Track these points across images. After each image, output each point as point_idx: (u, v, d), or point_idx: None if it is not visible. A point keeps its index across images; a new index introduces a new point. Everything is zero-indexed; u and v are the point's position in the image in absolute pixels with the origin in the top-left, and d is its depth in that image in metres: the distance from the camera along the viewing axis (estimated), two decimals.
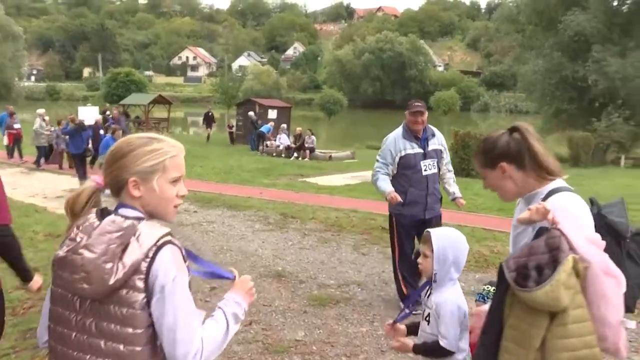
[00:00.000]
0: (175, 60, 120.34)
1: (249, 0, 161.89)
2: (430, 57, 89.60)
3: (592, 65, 25.74)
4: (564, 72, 26.97)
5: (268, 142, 23.04)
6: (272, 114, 26.08)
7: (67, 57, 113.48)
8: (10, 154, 18.35)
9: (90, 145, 15.13)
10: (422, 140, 5.61)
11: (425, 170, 5.53)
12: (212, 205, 11.42)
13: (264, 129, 23.57)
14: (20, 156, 18.23)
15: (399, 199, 5.35)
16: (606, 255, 1.88)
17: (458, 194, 5.85)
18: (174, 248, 1.65)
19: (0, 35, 43.57)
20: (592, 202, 2.26)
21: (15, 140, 18.25)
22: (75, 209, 1.76)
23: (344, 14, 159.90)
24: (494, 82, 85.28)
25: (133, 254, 1.59)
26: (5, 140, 18.47)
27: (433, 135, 5.72)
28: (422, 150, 5.57)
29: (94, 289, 1.59)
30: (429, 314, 2.66)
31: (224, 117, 48.03)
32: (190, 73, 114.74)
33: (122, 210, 1.71)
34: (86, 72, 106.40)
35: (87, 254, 1.60)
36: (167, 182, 1.74)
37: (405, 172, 5.53)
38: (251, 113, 25.09)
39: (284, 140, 22.53)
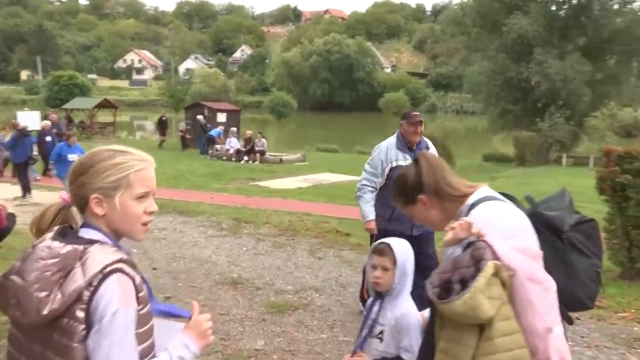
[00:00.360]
0: (120, 63, 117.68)
1: (195, 2, 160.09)
2: (378, 59, 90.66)
3: (535, 67, 26.52)
4: (509, 74, 27.69)
5: (218, 146, 22.74)
6: (222, 117, 25.76)
7: (2, 59, 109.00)
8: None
9: (35, 152, 14.38)
10: (415, 151, 5.13)
11: None
12: (163, 211, 11.12)
13: (213, 132, 23.25)
14: None
15: (375, 231, 5.02)
16: (533, 262, 1.80)
17: None
18: (123, 277, 1.48)
19: None
20: (528, 201, 2.21)
21: None
22: (41, 228, 1.62)
23: (291, 16, 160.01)
24: (440, 83, 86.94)
25: (75, 282, 1.44)
26: None
27: (427, 147, 5.30)
28: None
29: (29, 318, 1.46)
30: (381, 331, 2.56)
31: (172, 121, 47.29)
32: (135, 76, 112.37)
33: (82, 231, 1.59)
34: (24, 74, 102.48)
35: (17, 280, 1.48)
36: (132, 199, 1.59)
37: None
38: (200, 117, 24.74)
39: (234, 143, 22.27)
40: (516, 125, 28.84)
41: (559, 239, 2.05)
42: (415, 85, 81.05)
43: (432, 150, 5.31)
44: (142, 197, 1.61)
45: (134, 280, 1.51)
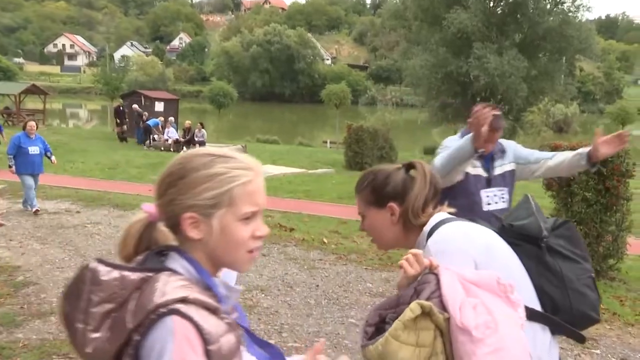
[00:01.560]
0: (50, 48, 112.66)
1: None
2: (319, 50, 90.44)
3: (474, 61, 26.86)
4: (449, 68, 27.94)
5: (155, 136, 21.97)
6: (159, 106, 24.91)
7: None
8: None
9: None
10: (486, 159, 3.67)
11: (488, 203, 3.62)
12: (97, 204, 10.58)
13: (151, 122, 22.43)
14: None
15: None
16: (482, 299, 1.44)
17: (584, 150, 3.35)
18: (183, 324, 1.10)
19: None
20: (496, 219, 1.97)
21: None
22: (126, 252, 1.27)
23: (230, 5, 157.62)
24: (380, 76, 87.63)
25: (123, 319, 1.12)
26: None
27: (502, 151, 3.71)
28: (485, 174, 3.66)
29: (79, 354, 1.15)
30: None
31: (107, 109, 45.67)
32: (67, 62, 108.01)
33: (171, 257, 1.23)
34: None
35: (66, 307, 1.15)
36: (236, 219, 1.22)
37: (456, 203, 2.99)
38: (135, 106, 23.82)
39: (172, 134, 21.57)
40: (456, 119, 29.20)
41: (538, 247, 1.81)
42: (355, 77, 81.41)
43: (511, 151, 3.73)
44: (248, 217, 1.24)
45: (200, 329, 1.11)
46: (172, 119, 22.66)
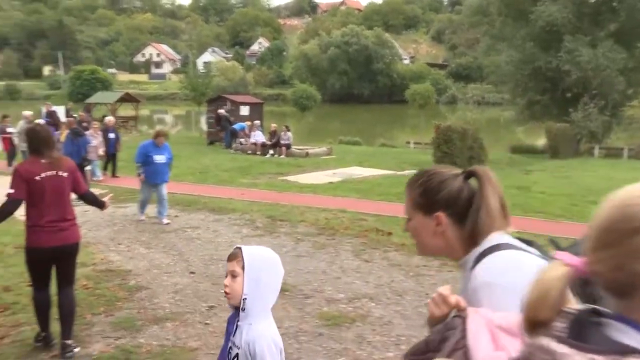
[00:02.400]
0: (139, 58, 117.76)
1: None
2: (396, 50, 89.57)
3: (565, 55, 25.65)
4: (537, 63, 26.83)
5: (242, 140, 22.30)
6: (244, 110, 25.29)
7: (25, 55, 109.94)
8: (10, 160, 16.01)
9: (102, 152, 14.25)
10: None
11: None
12: (193, 208, 10.77)
13: (237, 126, 22.80)
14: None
15: None
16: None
17: None
18: None
19: None
20: (554, 245, 1.60)
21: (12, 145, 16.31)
22: (544, 315, 0.97)
23: (307, 8, 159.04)
24: (460, 74, 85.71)
25: None
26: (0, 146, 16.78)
27: None
28: None
29: None
30: (236, 354, 2.13)
31: (191, 114, 47.05)
32: (154, 70, 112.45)
33: (613, 327, 0.92)
34: (46, 70, 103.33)
35: None
36: None
37: None
38: (222, 110, 24.26)
39: (258, 137, 21.82)
40: (544, 116, 28.01)
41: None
42: (435, 76, 80.00)
43: None
44: None
45: None
46: (257, 122, 22.94)
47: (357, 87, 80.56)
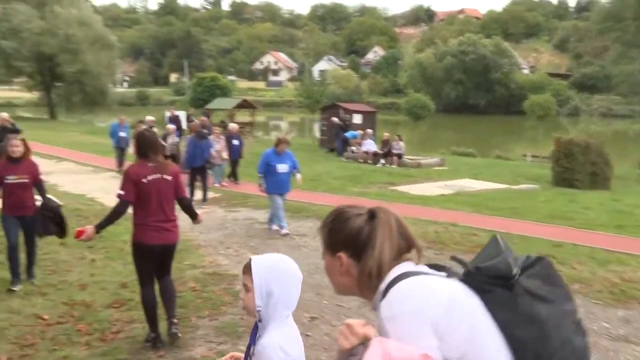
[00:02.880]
0: (257, 65, 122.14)
1: (329, 4, 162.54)
2: (515, 59, 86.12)
3: None
4: None
5: (354, 148, 22.34)
6: (357, 118, 25.37)
7: (155, 64, 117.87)
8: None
9: (225, 157, 14.58)
10: None
11: None
12: (302, 215, 10.86)
13: (349, 134, 22.89)
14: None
15: None
16: None
17: None
18: None
19: (98, 45, 45.28)
20: (457, 262, 1.67)
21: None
22: None
23: (424, 17, 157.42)
24: (584, 84, 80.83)
25: None
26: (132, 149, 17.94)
27: None
28: None
29: None
30: None
31: (305, 121, 47.93)
32: (271, 78, 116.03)
33: None
34: (173, 77, 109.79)
35: None
36: None
37: None
38: (334, 118, 24.46)
39: (370, 146, 21.77)
40: None
41: (510, 290, 1.51)
42: (556, 86, 76.05)
43: None
44: None
45: None
46: (370, 131, 22.91)
47: (472, 97, 78.34)
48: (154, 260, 4.82)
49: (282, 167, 9.20)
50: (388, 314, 1.50)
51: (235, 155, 15.09)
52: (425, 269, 1.62)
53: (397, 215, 1.69)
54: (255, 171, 9.75)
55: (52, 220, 6.26)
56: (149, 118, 17.49)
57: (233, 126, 16.17)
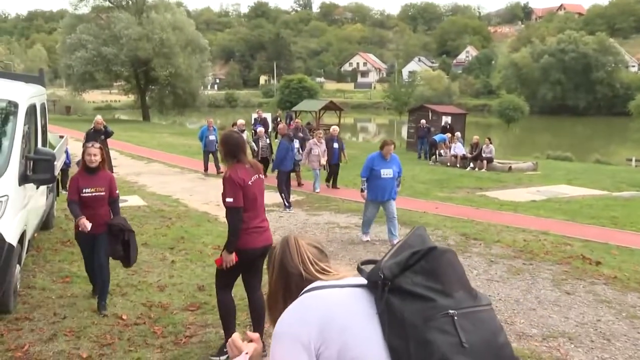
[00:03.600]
0: (346, 67, 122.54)
1: (420, 4, 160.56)
2: (622, 56, 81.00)
3: None
4: None
5: (442, 151, 21.77)
6: (446, 120, 24.75)
7: (245, 66, 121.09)
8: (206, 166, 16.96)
9: (324, 161, 14.00)
10: None
11: None
12: (383, 221, 10.57)
13: (437, 137, 22.32)
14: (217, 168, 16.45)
15: None
16: None
17: None
18: None
19: (190, 49, 46.91)
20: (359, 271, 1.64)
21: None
22: None
23: (520, 14, 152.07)
24: None
25: None
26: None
27: None
28: None
29: None
30: None
31: (394, 123, 47.46)
32: (360, 79, 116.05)
33: None
34: (262, 79, 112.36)
35: None
36: None
37: None
38: (423, 120, 23.94)
39: (459, 149, 21.13)
40: None
41: (388, 292, 1.46)
42: None
43: None
44: None
45: None
46: (458, 134, 22.25)
47: (571, 98, 74.53)
48: (251, 265, 4.65)
49: (387, 172, 8.63)
50: (273, 332, 1.59)
51: (335, 159, 14.37)
52: (334, 281, 1.66)
53: (299, 242, 1.83)
54: (353, 175, 9.51)
55: (121, 242, 5.60)
56: (240, 121, 17.13)
57: (334, 129, 15.38)
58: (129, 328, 5.22)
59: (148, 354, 4.68)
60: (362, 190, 8.85)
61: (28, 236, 6.18)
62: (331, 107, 34.92)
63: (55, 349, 4.77)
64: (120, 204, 11.27)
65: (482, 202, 13.01)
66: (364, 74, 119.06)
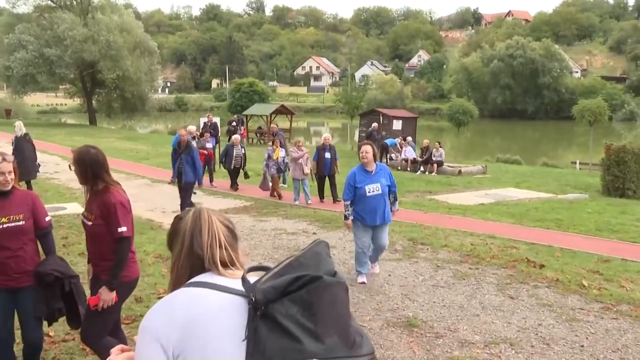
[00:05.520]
0: (299, 71, 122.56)
1: (373, 8, 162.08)
2: (566, 62, 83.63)
3: None
4: None
5: (393, 155, 21.86)
6: (397, 124, 24.88)
7: (197, 70, 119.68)
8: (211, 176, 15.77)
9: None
10: None
11: None
12: (333, 226, 10.49)
13: (388, 141, 22.40)
14: (210, 180, 15.52)
15: None
16: None
17: None
18: None
19: (138, 51, 45.86)
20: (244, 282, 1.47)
21: (206, 162, 14.99)
22: None
23: (471, 20, 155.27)
24: None
25: None
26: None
27: None
28: None
29: None
30: None
31: (347, 127, 47.58)
32: (313, 83, 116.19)
33: None
34: (214, 83, 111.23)
35: None
36: None
37: None
38: (375, 124, 24.02)
39: (409, 153, 21.26)
40: None
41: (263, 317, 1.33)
42: (610, 90, 73.29)
43: None
44: None
45: None
46: (410, 138, 22.40)
47: (520, 102, 76.42)
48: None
49: (373, 188, 6.74)
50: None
51: (326, 170, 13.01)
52: (225, 279, 1.50)
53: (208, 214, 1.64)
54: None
55: (61, 296, 3.96)
56: (191, 127, 14.79)
57: (326, 137, 13.74)
58: (55, 345, 4.93)
59: None
60: (345, 218, 7.00)
61: None
62: (282, 111, 34.74)
63: None
64: (59, 212, 10.85)
65: (432, 206, 13.05)
66: (317, 77, 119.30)
